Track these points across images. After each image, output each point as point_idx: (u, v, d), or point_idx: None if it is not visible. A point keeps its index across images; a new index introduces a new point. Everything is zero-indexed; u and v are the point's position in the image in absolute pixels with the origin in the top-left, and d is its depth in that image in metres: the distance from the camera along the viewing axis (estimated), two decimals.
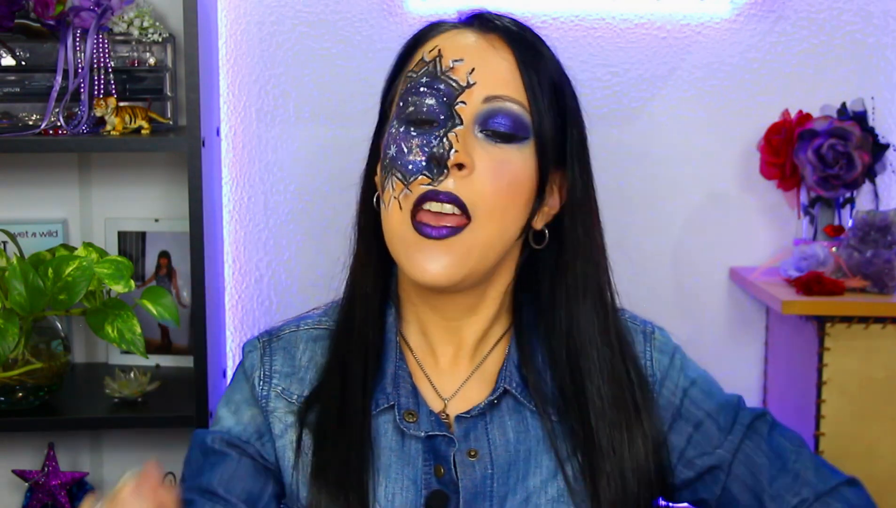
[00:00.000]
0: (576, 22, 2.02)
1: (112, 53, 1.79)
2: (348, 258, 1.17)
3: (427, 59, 1.08)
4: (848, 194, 1.96)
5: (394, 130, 1.08)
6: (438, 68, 1.06)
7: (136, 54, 1.83)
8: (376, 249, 1.13)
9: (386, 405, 1.11)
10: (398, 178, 1.05)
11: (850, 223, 1.92)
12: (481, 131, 1.05)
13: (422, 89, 1.06)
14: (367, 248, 1.14)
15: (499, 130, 1.05)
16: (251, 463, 1.11)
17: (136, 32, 1.80)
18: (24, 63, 1.82)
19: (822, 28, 2.04)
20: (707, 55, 2.04)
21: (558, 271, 1.13)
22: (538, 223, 1.12)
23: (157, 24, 1.82)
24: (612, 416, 1.10)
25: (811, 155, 1.93)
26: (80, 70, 1.76)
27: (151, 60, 1.84)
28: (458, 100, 1.05)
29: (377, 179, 1.12)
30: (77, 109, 1.77)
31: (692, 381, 1.16)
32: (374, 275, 1.14)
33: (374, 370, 1.12)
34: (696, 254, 2.07)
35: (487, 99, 1.05)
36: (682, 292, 2.08)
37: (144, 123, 1.75)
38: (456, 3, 1.98)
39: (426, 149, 1.04)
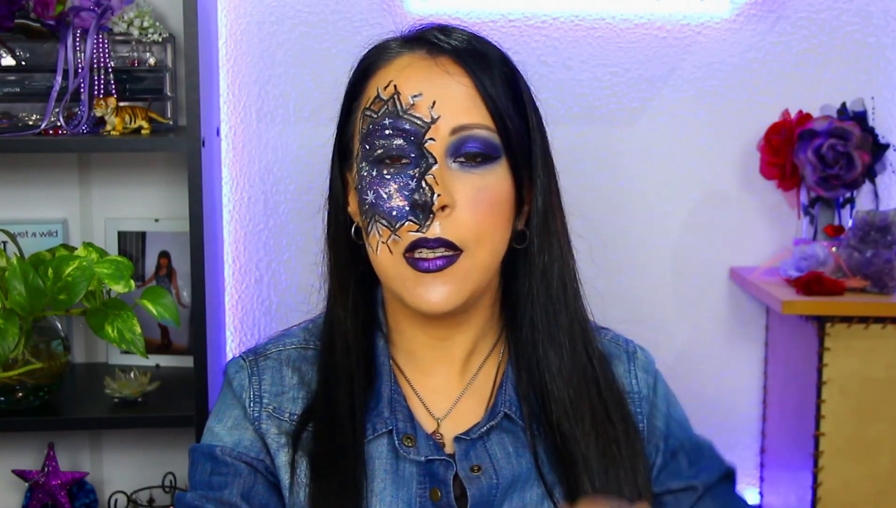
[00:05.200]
0: (576, 22, 2.02)
1: (112, 53, 1.79)
2: (323, 287, 1.16)
3: (384, 96, 1.06)
4: (848, 194, 1.96)
5: (365, 174, 1.07)
6: (399, 107, 1.05)
7: (136, 54, 1.83)
8: (352, 281, 1.13)
9: (384, 430, 1.11)
10: (384, 224, 1.05)
11: (850, 223, 1.92)
12: (455, 161, 1.05)
13: (387, 132, 1.05)
14: (343, 283, 1.14)
15: (471, 153, 1.05)
16: (263, 479, 1.10)
17: (136, 32, 1.79)
18: (24, 63, 1.82)
19: (822, 28, 2.04)
20: (707, 55, 2.04)
21: (530, 274, 1.12)
22: (518, 225, 1.12)
23: (157, 24, 1.81)
24: (594, 453, 1.10)
25: (811, 155, 1.93)
26: (80, 70, 1.76)
27: (151, 60, 1.84)
28: (427, 137, 1.04)
29: (351, 211, 1.12)
30: (77, 109, 1.77)
31: (674, 407, 1.20)
32: (354, 306, 1.14)
33: (368, 395, 1.12)
34: (696, 254, 2.07)
35: (454, 130, 1.05)
36: (682, 292, 2.08)
37: (144, 123, 1.75)
38: (456, 4, 2.00)
39: (406, 193, 1.04)
